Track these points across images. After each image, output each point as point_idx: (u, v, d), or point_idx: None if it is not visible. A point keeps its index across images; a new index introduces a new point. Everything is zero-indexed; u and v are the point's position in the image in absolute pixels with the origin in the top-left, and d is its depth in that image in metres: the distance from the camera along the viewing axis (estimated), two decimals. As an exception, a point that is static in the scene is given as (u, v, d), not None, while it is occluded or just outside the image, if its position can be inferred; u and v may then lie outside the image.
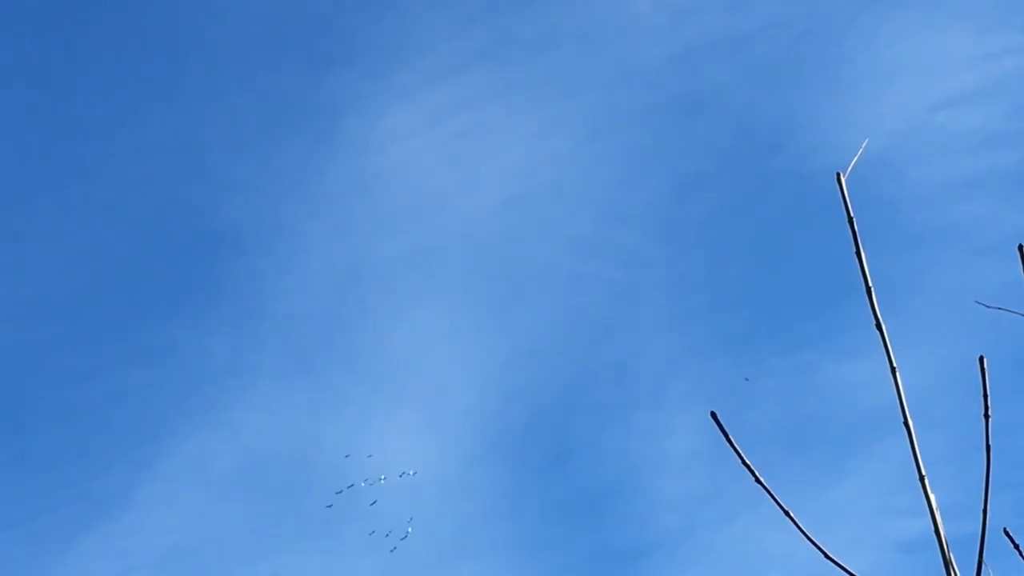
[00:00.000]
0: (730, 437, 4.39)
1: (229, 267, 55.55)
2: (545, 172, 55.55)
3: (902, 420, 4.44)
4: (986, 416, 4.55)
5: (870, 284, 4.51)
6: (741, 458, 4.39)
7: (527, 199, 55.35)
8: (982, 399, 4.53)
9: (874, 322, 4.46)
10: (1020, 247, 4.69)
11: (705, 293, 53.74)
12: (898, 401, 4.44)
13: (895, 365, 4.42)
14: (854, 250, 4.55)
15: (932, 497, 4.48)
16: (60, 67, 58.05)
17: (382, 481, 45.99)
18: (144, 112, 57.69)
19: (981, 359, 4.45)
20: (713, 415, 4.39)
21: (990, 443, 4.53)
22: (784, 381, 51.47)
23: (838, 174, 4.70)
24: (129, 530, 51.25)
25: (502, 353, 53.13)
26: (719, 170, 54.94)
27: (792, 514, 4.36)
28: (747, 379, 46.38)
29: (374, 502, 46.45)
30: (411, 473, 46.82)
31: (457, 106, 56.01)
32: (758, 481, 4.38)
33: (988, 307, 5.46)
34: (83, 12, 58.31)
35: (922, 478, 4.48)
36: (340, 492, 46.57)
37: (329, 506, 46.86)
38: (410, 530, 46.03)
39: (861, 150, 4.81)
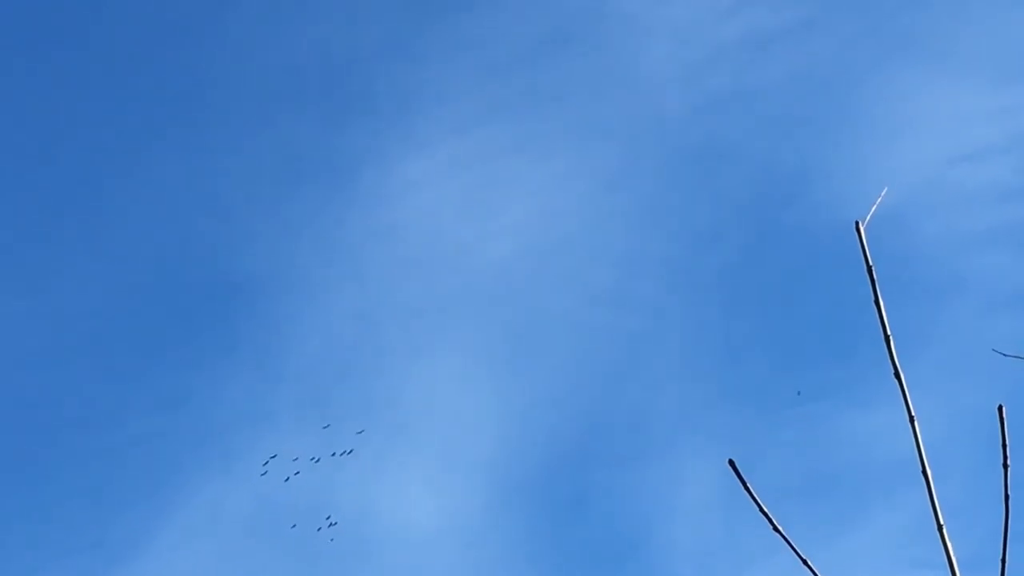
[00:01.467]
0: (748, 485, 4.37)
1: (246, 315, 55.61)
2: (562, 223, 55.63)
3: (920, 469, 4.42)
4: (1005, 466, 4.53)
5: (888, 333, 4.49)
6: (759, 506, 4.37)
7: (544, 249, 55.39)
8: (1001, 449, 4.51)
9: (892, 371, 4.45)
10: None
11: (721, 343, 53.63)
12: (916, 450, 4.42)
13: (913, 414, 4.41)
14: (872, 299, 4.54)
15: (950, 548, 4.45)
16: (81, 116, 58.25)
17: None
18: (163, 162, 57.88)
19: (1000, 408, 4.43)
20: (731, 463, 4.38)
21: (1009, 493, 4.51)
22: (799, 431, 51.25)
23: (857, 223, 4.69)
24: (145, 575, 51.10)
25: (518, 402, 53.02)
26: (735, 221, 54.92)
27: (810, 563, 4.33)
28: (799, 393, 46.13)
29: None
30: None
31: (475, 157, 56.15)
32: (776, 529, 4.36)
33: (1006, 355, 5.45)
34: (103, 63, 58.57)
35: (940, 528, 4.45)
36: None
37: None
38: (334, 523, 45.69)
39: (880, 198, 4.81)
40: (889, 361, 4.45)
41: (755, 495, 4.32)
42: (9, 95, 57.37)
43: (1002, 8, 54.87)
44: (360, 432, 48.66)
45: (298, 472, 46.95)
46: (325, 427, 49.37)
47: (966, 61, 54.94)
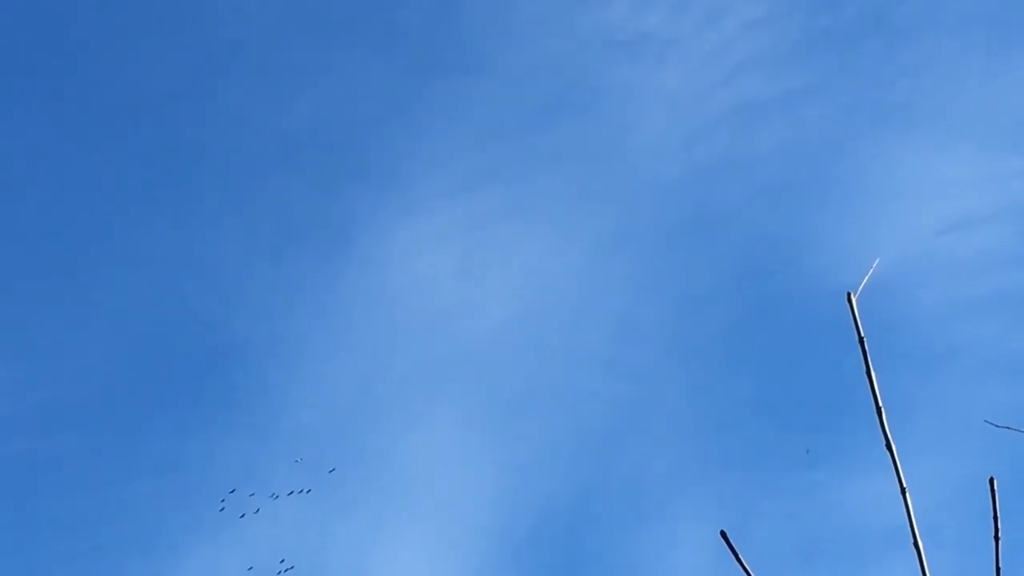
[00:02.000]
0: (739, 556, 4.38)
1: (241, 379, 55.52)
2: (556, 288, 55.69)
3: (912, 541, 4.43)
4: (996, 538, 4.54)
5: (880, 405, 4.51)
6: (751, 577, 4.37)
7: (539, 314, 55.41)
8: (992, 520, 4.52)
9: (884, 443, 4.46)
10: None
11: (714, 410, 53.57)
12: (908, 522, 4.43)
13: (905, 486, 4.42)
14: (864, 371, 4.56)
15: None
16: (76, 183, 58.37)
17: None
18: (158, 227, 57.96)
19: (991, 480, 4.45)
20: (723, 534, 4.38)
21: (1000, 565, 4.51)
22: (793, 499, 51.12)
23: (849, 294, 4.72)
24: (134, 643, 50.77)
25: (513, 466, 52.89)
26: (729, 288, 55.01)
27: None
28: (808, 451, 45.96)
29: None
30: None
31: (469, 222, 56.27)
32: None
33: (997, 426, 5.46)
34: (97, 130, 58.74)
35: (932, 600, 4.45)
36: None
37: None
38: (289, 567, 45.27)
39: (872, 269, 4.83)
40: (881, 433, 4.47)
41: (747, 567, 4.33)
42: (4, 163, 57.53)
43: (991, 77, 55.21)
44: (332, 471, 48.39)
45: (257, 509, 46.56)
46: (296, 461, 49.07)
47: (957, 129, 55.23)
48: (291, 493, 47.09)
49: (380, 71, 57.72)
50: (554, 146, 56.16)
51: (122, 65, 57.93)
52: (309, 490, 47.13)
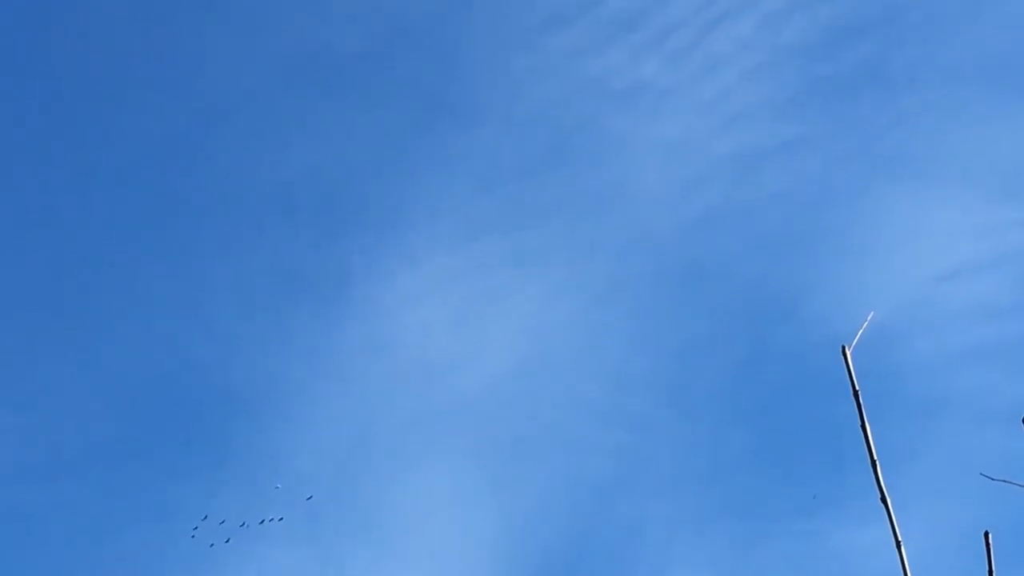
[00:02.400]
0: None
1: (239, 427, 55.44)
2: (553, 337, 55.61)
3: (908, 594, 4.43)
4: (992, 591, 4.53)
5: (875, 458, 4.52)
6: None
7: (535, 364, 55.34)
8: (987, 574, 4.52)
9: (879, 496, 4.47)
10: (1024, 421, 4.71)
11: (711, 458, 53.45)
12: (903, 574, 4.44)
13: (900, 539, 4.43)
14: (859, 423, 4.57)
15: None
16: (76, 234, 58.43)
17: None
18: (158, 277, 57.98)
19: (986, 534, 4.45)
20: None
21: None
22: (790, 547, 50.94)
23: (843, 347, 4.73)
24: None
25: (509, 515, 52.69)
26: (726, 337, 54.97)
27: None
28: (815, 496, 45.72)
29: None
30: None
31: (467, 272, 56.30)
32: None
33: (993, 479, 5.47)
34: (97, 181, 58.83)
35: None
36: None
37: None
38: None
39: (866, 323, 4.85)
40: (876, 487, 4.48)
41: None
42: (5, 217, 57.63)
43: (985, 128, 55.39)
44: (309, 498, 48.12)
45: (228, 540, 46.16)
46: (276, 488, 48.76)
47: (952, 179, 55.38)
48: (262, 522, 46.67)
49: (378, 122, 57.91)
50: (552, 196, 56.30)
51: (124, 119, 58.11)
52: (281, 518, 46.75)
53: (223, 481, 54.01)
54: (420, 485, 52.97)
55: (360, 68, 57.96)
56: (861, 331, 4.79)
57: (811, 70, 55.89)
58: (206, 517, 46.52)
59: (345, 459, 53.96)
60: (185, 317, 56.34)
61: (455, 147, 56.81)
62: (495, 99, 57.43)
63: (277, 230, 57.13)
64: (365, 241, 56.58)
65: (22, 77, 58.90)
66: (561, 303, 55.09)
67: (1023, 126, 56.02)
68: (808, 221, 55.32)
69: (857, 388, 4.64)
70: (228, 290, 56.67)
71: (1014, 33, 55.65)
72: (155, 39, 58.11)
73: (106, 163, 58.60)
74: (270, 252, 56.94)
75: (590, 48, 56.25)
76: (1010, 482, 5.28)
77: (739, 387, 53.92)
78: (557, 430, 52.93)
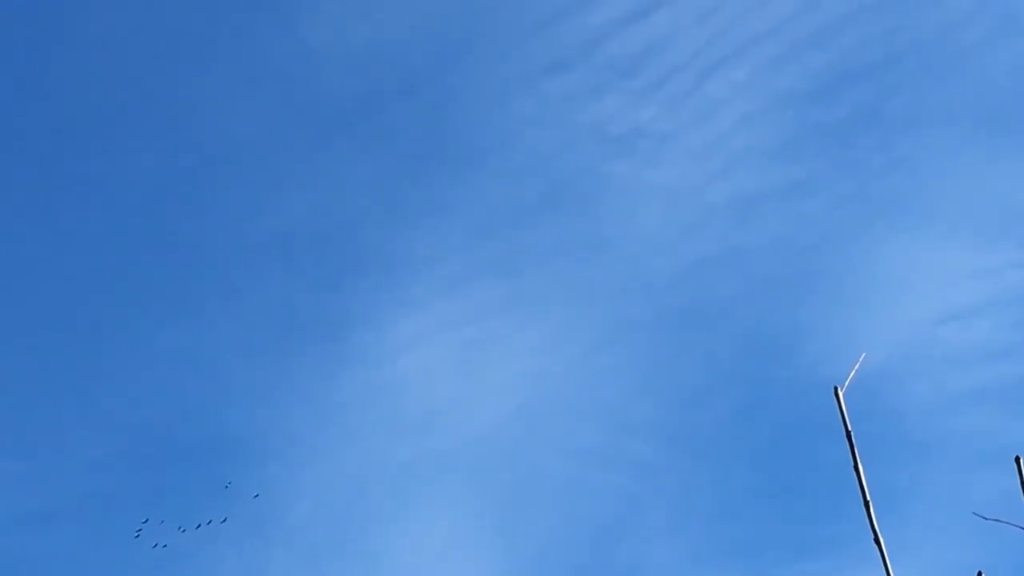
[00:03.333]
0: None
1: (239, 474, 55.35)
2: (553, 382, 55.68)
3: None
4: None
5: (868, 499, 4.55)
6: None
7: (535, 408, 55.37)
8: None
9: (872, 536, 4.50)
10: (1017, 459, 4.74)
11: (710, 501, 53.42)
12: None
13: (893, 579, 4.45)
14: (852, 464, 4.60)
15: None
16: (75, 280, 58.57)
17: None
18: (155, 324, 58.06)
19: (979, 575, 4.48)
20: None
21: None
22: (793, 593, 50.86)
23: (836, 388, 4.76)
24: None
25: (509, 563, 52.64)
26: (726, 380, 55.03)
27: None
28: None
29: None
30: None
31: (466, 317, 56.35)
32: None
33: (986, 519, 5.49)
34: (95, 225, 59.02)
35: None
36: None
37: None
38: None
39: (859, 364, 4.88)
40: (869, 527, 4.50)
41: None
42: (4, 258, 57.75)
43: (983, 169, 55.57)
44: (256, 496, 47.73)
45: (166, 544, 45.55)
46: (227, 486, 48.39)
47: (949, 220, 55.50)
48: (198, 526, 45.92)
49: (376, 168, 58.08)
50: (550, 241, 56.41)
51: (118, 163, 58.29)
52: (225, 519, 45.94)
53: (224, 527, 53.89)
54: (421, 530, 52.90)
55: (357, 115, 58.21)
56: (853, 372, 4.83)
57: (808, 114, 56.14)
58: (147, 520, 46.04)
59: (346, 505, 53.88)
60: (184, 364, 56.36)
61: (452, 192, 56.99)
62: (492, 144, 57.66)
63: (276, 276, 57.22)
64: (363, 287, 56.67)
65: (19, 121, 59.15)
66: (560, 347, 55.16)
67: (1020, 167, 56.31)
68: (806, 264, 55.46)
69: (850, 429, 4.67)
70: (227, 337, 56.73)
71: (1011, 76, 55.92)
72: (151, 87, 58.34)
73: (104, 210, 58.78)
74: (269, 298, 57.02)
75: (587, 94, 56.46)
76: (1003, 521, 5.30)
77: (739, 429, 53.96)
78: (558, 474, 52.89)
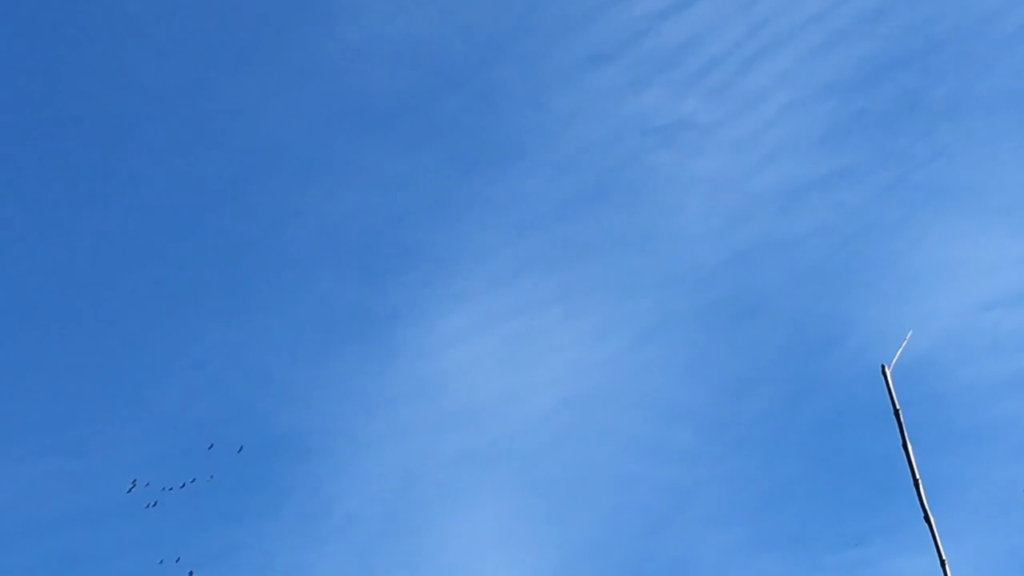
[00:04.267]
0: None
1: (290, 471, 55.51)
2: (600, 374, 55.62)
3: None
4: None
5: (917, 476, 4.49)
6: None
7: (582, 401, 55.32)
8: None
9: (923, 515, 4.44)
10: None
11: (760, 490, 53.25)
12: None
13: (944, 558, 4.39)
14: (900, 442, 4.54)
15: None
16: (123, 282, 58.91)
17: None
18: (204, 325, 58.29)
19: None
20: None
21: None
22: (840, 575, 50.68)
23: (883, 366, 4.71)
24: None
25: (558, 555, 52.63)
26: (772, 369, 54.84)
27: None
28: (857, 545, 45.60)
29: None
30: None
31: (513, 310, 56.36)
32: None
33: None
34: (146, 230, 59.33)
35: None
36: None
37: None
38: None
39: (905, 341, 4.82)
40: (919, 505, 4.44)
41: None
42: (51, 263, 58.12)
43: (1032, 154, 55.16)
44: (240, 450, 47.90)
45: (155, 503, 45.94)
46: (209, 447, 48.48)
47: (995, 207, 55.10)
48: (183, 485, 46.32)
49: (421, 164, 58.12)
50: (595, 233, 56.31)
51: (168, 168, 58.57)
52: (212, 476, 46.37)
53: (276, 524, 54.10)
54: (470, 524, 52.93)
55: (400, 112, 58.28)
56: (900, 349, 4.77)
57: (850, 103, 55.85)
58: (135, 480, 46.38)
59: (396, 500, 53.99)
60: (234, 363, 56.57)
61: (497, 187, 56.98)
62: (536, 138, 57.61)
63: (323, 274, 57.35)
64: (409, 282, 56.71)
65: (64, 127, 59.50)
66: (607, 339, 55.06)
67: (1066, 152, 55.91)
68: (850, 253, 55.18)
69: (898, 407, 4.61)
70: (277, 336, 56.92)
71: (1055, 59, 55.51)
72: (197, 89, 58.60)
73: (151, 213, 59.06)
74: (316, 296, 57.15)
75: (630, 86, 56.34)
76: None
77: (785, 419, 53.75)
78: (607, 465, 52.81)
